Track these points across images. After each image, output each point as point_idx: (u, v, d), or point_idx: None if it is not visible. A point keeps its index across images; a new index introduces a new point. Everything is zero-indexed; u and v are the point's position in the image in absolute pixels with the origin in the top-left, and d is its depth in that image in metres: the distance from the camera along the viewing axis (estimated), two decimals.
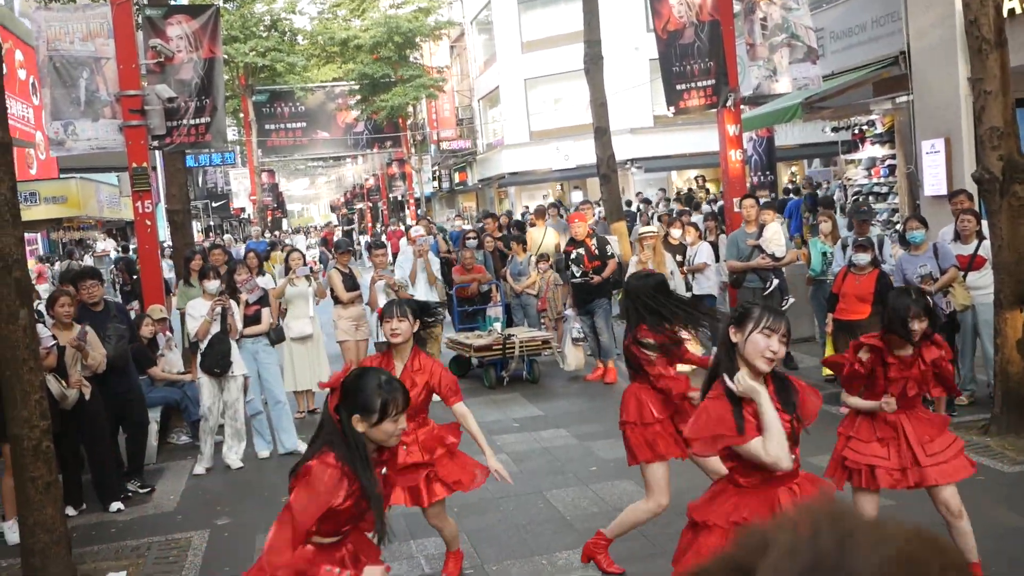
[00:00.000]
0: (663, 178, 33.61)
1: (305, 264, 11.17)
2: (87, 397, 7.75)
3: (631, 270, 10.71)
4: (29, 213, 14.83)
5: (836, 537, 0.75)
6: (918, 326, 5.06)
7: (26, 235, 9.72)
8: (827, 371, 9.57)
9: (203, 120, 11.30)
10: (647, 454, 5.53)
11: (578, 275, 11.31)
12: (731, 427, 3.71)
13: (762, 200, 13.26)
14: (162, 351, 10.11)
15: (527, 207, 29.80)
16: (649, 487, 5.60)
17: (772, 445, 3.68)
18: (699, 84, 13.52)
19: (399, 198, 47.14)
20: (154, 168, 13.21)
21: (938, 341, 5.27)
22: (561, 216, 16.81)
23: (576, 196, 29.48)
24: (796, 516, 0.80)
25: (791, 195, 21.27)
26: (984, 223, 8.98)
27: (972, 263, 8.93)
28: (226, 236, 28.58)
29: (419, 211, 42.21)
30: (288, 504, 3.33)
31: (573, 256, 11.36)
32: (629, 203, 24.85)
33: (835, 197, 18.66)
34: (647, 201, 24.36)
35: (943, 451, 5.08)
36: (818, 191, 20.43)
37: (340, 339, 10.86)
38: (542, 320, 13.18)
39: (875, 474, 5.11)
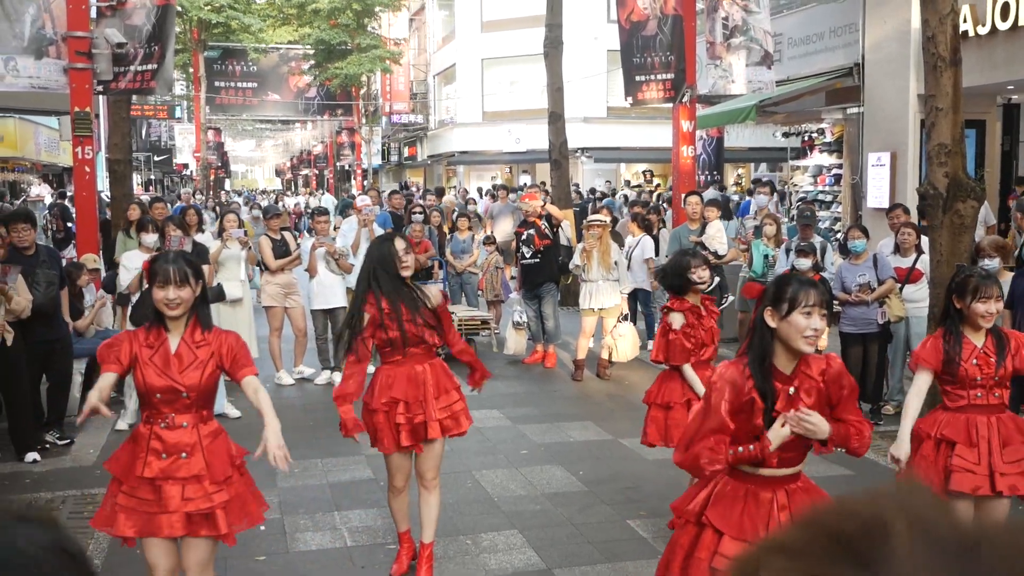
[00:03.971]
0: (612, 169, 33.71)
1: (240, 227, 10.97)
2: (8, 343, 7.52)
3: (576, 258, 10.71)
4: None
5: (970, 529, 0.67)
6: (700, 274, 5.85)
7: None
8: None
9: (150, 67, 11.02)
10: None
11: (528, 256, 11.25)
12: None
13: (755, 197, 13.38)
14: (91, 303, 9.84)
15: (486, 188, 29.70)
16: None
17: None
18: (658, 77, 13.53)
19: (346, 168, 46.69)
20: (96, 115, 12.89)
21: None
22: (511, 200, 16.82)
23: (524, 180, 29.44)
24: (897, 496, 0.71)
25: (749, 196, 21.41)
26: (924, 238, 9.13)
27: (909, 276, 9.08)
28: (184, 191, 27.93)
29: (365, 182, 41.82)
30: None
31: (524, 237, 11.31)
32: (593, 191, 24.88)
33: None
34: (602, 192, 24.42)
35: None
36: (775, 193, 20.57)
37: (266, 304, 10.70)
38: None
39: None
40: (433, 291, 5.42)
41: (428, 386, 5.23)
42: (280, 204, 29.25)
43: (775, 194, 16.02)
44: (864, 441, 3.67)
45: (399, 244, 5.28)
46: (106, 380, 4.17)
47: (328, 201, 30.35)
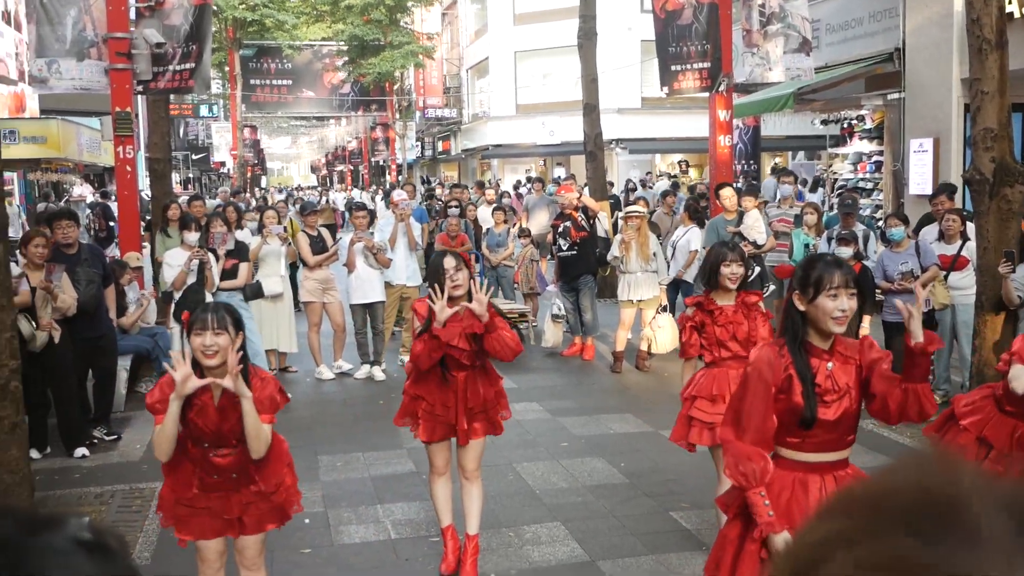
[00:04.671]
0: (647, 160, 33.53)
1: (280, 223, 11.05)
2: (56, 340, 7.62)
3: (614, 249, 10.67)
4: (8, 152, 14.53)
5: None
6: (731, 271, 5.49)
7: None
8: None
9: (188, 66, 11.09)
10: None
11: (565, 248, 11.22)
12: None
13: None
14: (133, 300, 9.91)
15: (519, 180, 29.68)
16: None
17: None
18: (694, 66, 13.43)
19: (381, 163, 46.85)
20: (136, 115, 13.01)
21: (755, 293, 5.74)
22: (546, 191, 16.80)
23: (559, 172, 29.35)
24: (954, 469, 0.68)
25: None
26: (969, 224, 8.99)
27: (955, 263, 8.94)
28: (221, 190, 28.05)
29: (400, 177, 41.95)
30: None
31: (560, 229, 11.28)
32: (628, 182, 24.72)
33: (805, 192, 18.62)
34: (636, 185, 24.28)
35: None
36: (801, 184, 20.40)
37: (304, 300, 10.76)
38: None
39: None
40: (475, 307, 5.01)
41: (459, 394, 5.22)
42: (326, 200, 29.29)
43: (798, 183, 15.82)
44: (926, 403, 3.53)
45: (448, 262, 5.17)
46: (169, 426, 4.03)
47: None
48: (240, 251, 9.54)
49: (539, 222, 15.46)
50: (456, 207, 13.13)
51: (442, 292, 5.06)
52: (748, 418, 3.50)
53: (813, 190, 18.99)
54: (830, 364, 3.54)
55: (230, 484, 4.19)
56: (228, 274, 9.26)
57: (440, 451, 5.45)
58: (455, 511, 5.58)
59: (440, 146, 44.52)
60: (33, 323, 7.44)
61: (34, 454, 7.44)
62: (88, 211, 19.19)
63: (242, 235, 10.77)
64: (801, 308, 3.54)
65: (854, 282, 3.52)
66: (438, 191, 23.32)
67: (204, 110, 42.00)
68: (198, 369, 4.03)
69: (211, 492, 4.19)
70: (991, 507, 0.63)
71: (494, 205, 14.94)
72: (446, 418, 5.27)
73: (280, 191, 44.04)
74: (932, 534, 0.61)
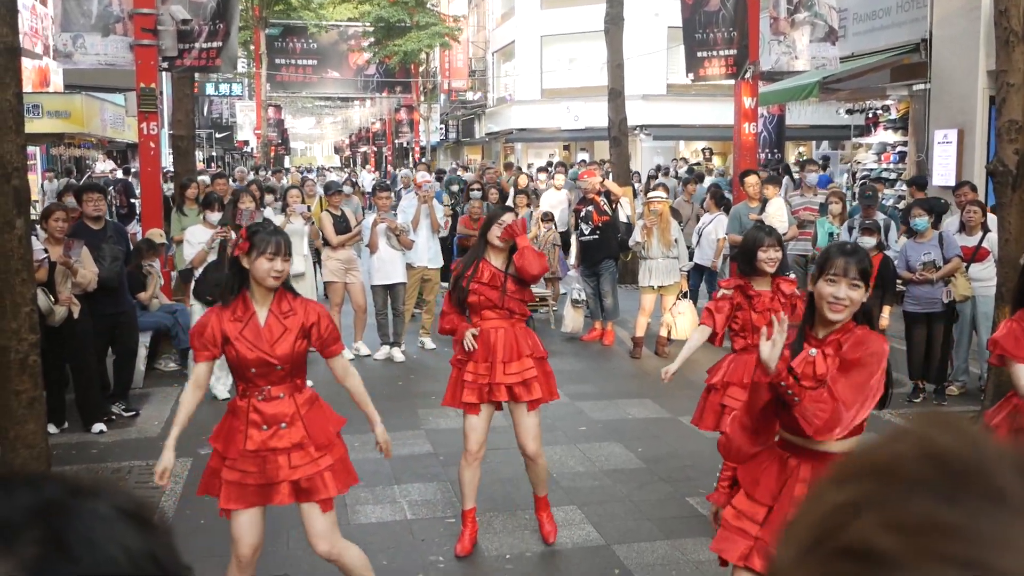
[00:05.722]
0: (671, 147, 33.39)
1: (303, 202, 11.06)
2: (76, 316, 7.67)
3: (636, 235, 10.65)
4: (31, 126, 14.62)
5: None
6: (768, 256, 5.36)
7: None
8: None
9: (215, 44, 11.13)
10: None
11: (587, 232, 11.20)
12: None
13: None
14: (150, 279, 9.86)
15: (549, 164, 29.56)
16: None
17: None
18: (720, 53, 13.37)
19: (404, 145, 46.87)
20: (160, 92, 13.05)
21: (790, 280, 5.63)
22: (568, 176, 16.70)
23: (582, 157, 29.27)
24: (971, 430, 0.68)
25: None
26: (991, 216, 8.95)
27: (975, 255, 8.91)
28: (238, 169, 28.05)
29: (423, 159, 41.96)
30: None
31: (582, 214, 11.26)
32: (658, 168, 24.58)
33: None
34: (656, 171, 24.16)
35: None
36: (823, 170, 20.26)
37: (327, 279, 10.78)
38: None
39: None
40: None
41: (498, 348, 5.36)
42: (357, 181, 29.28)
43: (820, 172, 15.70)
44: (825, 420, 3.22)
45: (506, 216, 5.55)
46: (201, 372, 4.33)
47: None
48: None
49: (548, 202, 15.36)
50: (478, 190, 13.13)
51: (484, 236, 5.53)
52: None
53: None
54: (812, 351, 3.49)
55: (282, 438, 4.16)
56: None
57: (476, 426, 5.47)
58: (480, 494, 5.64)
59: (464, 129, 44.46)
60: (52, 298, 7.48)
61: (52, 429, 7.48)
62: (110, 187, 19.30)
63: (266, 213, 10.80)
64: (811, 289, 3.57)
65: (863, 274, 3.44)
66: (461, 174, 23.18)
67: (210, 88, 41.89)
68: (241, 292, 4.26)
69: (259, 452, 4.16)
70: (1008, 469, 0.63)
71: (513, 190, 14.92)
72: (478, 377, 5.38)
73: (309, 171, 44.01)
74: (955, 496, 0.62)
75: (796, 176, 13.99)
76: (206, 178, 15.57)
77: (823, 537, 0.65)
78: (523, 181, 16.34)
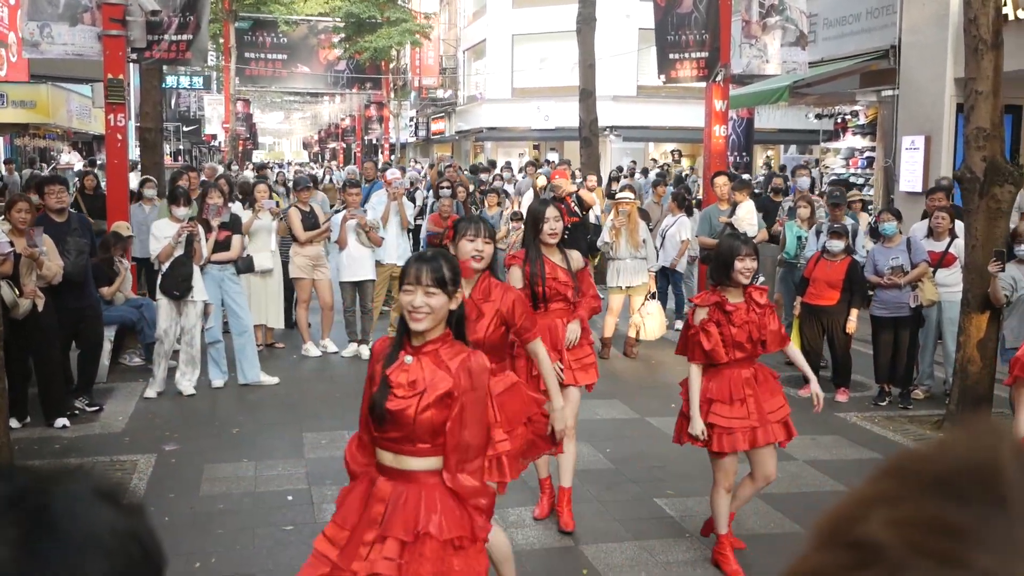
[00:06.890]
0: (640, 148, 33.51)
1: (270, 198, 10.98)
2: (40, 309, 7.56)
3: (604, 235, 10.66)
4: None
5: None
6: (745, 265, 5.16)
7: None
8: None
9: (185, 37, 11.02)
10: None
11: None
12: None
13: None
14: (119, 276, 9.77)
15: (527, 163, 29.54)
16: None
17: None
18: (692, 55, 13.42)
19: (374, 141, 46.65)
20: (128, 84, 12.90)
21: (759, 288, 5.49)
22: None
23: (552, 157, 29.29)
24: (988, 436, 0.69)
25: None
26: (958, 222, 9.04)
27: (943, 260, 9.00)
28: (208, 165, 27.75)
29: (392, 156, 41.81)
30: None
31: None
32: (620, 169, 24.58)
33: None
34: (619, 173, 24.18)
35: (774, 412, 5.24)
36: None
37: (294, 276, 10.71)
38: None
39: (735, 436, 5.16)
40: (575, 255, 6.01)
41: (561, 337, 5.79)
42: (329, 178, 29.01)
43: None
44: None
45: (550, 211, 5.83)
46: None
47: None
48: (234, 223, 9.47)
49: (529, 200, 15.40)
50: (448, 188, 13.09)
51: (537, 236, 5.81)
52: None
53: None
54: (408, 358, 3.48)
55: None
56: (222, 246, 9.16)
57: None
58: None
59: (434, 127, 44.33)
60: (16, 291, 7.36)
61: (14, 423, 7.37)
62: (76, 179, 19.07)
63: (234, 208, 10.71)
64: None
65: (438, 282, 3.38)
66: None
67: (171, 80, 41.42)
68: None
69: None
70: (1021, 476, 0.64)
71: (487, 188, 14.87)
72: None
73: (279, 166, 43.64)
74: (966, 498, 0.63)
75: (789, 183, 14.00)
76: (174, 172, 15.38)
77: (839, 529, 0.66)
78: (541, 182, 16.09)
